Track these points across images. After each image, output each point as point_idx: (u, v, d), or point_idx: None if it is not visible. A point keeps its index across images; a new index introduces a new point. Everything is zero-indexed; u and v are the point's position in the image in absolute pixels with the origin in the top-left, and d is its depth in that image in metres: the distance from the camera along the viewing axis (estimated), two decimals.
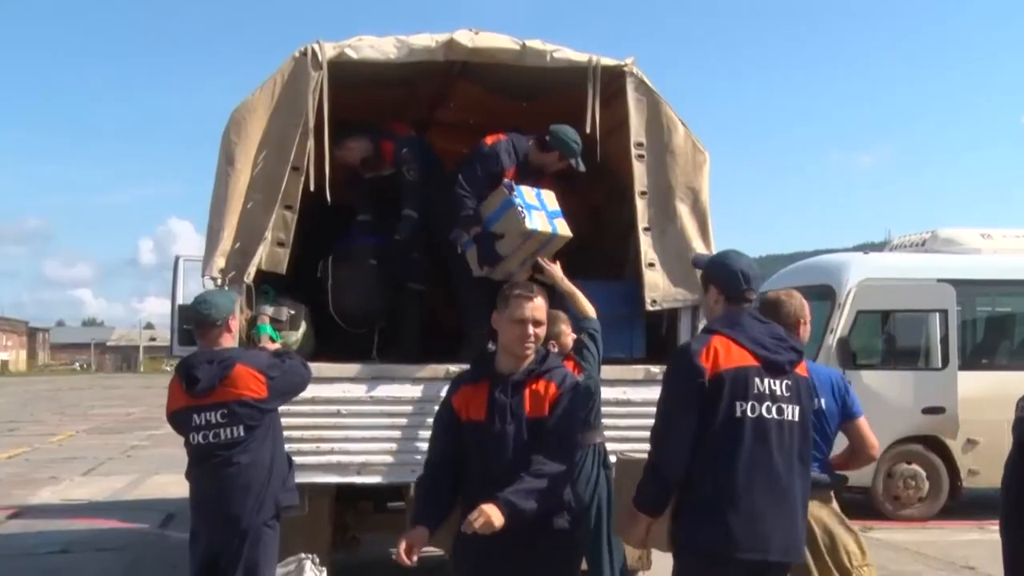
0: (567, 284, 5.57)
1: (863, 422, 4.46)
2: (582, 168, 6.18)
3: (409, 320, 6.61)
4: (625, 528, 3.67)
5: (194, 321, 4.70)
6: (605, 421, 5.41)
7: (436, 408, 5.49)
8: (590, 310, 5.43)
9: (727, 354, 3.39)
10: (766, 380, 3.41)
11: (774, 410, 3.40)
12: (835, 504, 4.50)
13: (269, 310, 5.72)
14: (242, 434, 4.50)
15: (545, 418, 3.54)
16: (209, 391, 4.49)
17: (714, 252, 5.72)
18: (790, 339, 3.57)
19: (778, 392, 3.42)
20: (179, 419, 4.61)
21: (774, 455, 3.39)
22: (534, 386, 3.59)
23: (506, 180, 6.10)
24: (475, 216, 5.98)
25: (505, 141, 6.18)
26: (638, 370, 5.87)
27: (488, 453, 3.57)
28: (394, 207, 6.42)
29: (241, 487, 4.50)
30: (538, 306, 3.62)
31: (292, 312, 5.87)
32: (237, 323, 4.84)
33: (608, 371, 5.57)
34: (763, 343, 3.45)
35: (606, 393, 5.51)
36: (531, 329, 3.58)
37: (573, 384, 3.68)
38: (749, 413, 3.37)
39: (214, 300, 4.72)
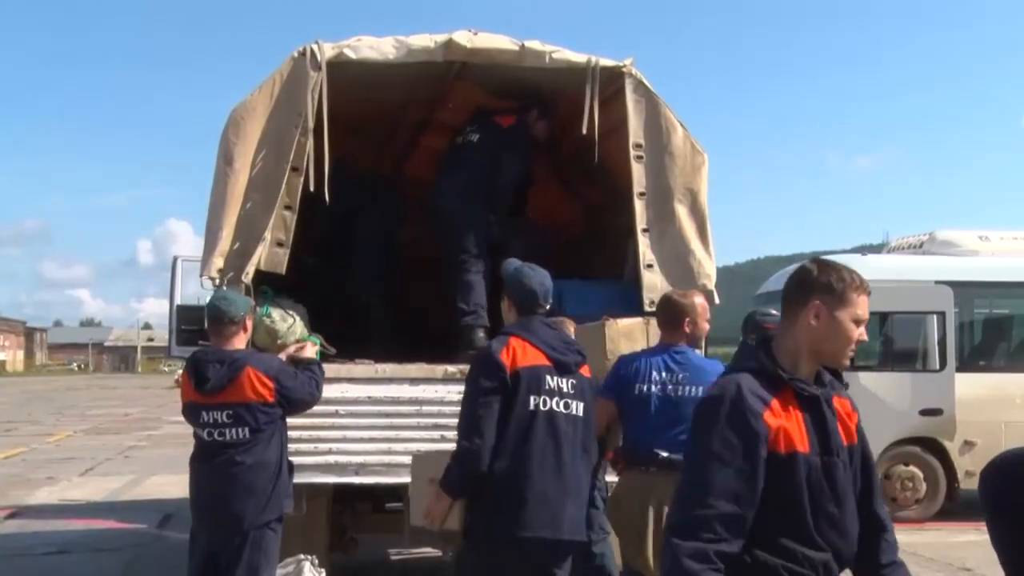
0: None
1: None
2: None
3: (372, 325, 6.90)
4: (429, 509, 3.94)
5: (211, 317, 4.68)
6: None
7: (434, 408, 5.60)
8: None
9: (524, 353, 3.87)
10: (555, 378, 3.90)
11: (562, 405, 3.89)
12: None
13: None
14: (247, 436, 4.51)
15: (855, 446, 2.73)
16: (218, 391, 4.50)
17: (712, 254, 5.79)
18: (576, 344, 4.13)
19: (565, 389, 3.92)
20: (189, 412, 4.66)
21: (563, 445, 3.86)
22: (836, 405, 2.72)
23: None
24: None
25: (520, 121, 6.65)
26: None
27: (828, 498, 2.55)
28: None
29: (243, 487, 4.50)
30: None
31: (292, 313, 5.86)
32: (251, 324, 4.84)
33: None
34: (553, 345, 3.94)
35: None
36: (865, 333, 2.66)
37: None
38: (541, 407, 3.84)
39: (233, 298, 4.75)
